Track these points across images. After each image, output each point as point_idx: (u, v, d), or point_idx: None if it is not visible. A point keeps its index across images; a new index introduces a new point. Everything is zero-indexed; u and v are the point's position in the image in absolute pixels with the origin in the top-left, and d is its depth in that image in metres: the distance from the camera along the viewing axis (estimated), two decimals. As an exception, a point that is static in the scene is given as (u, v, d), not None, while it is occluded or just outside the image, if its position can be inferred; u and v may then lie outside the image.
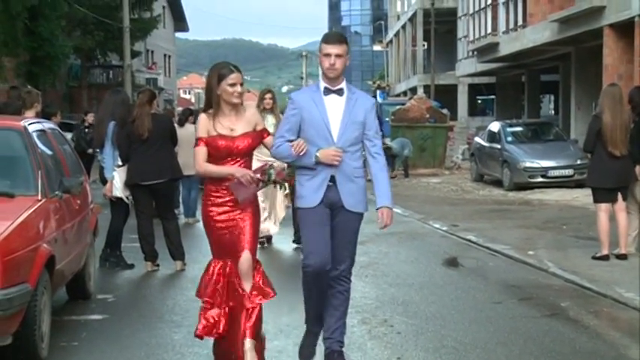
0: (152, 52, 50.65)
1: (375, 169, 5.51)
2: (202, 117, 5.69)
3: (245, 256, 5.56)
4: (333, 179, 5.39)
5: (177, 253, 9.52)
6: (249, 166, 5.66)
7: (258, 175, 5.57)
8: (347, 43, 5.47)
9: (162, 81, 50.07)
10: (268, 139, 5.76)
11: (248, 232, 5.63)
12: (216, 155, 5.59)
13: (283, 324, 6.78)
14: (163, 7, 50.07)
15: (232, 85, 5.55)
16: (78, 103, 37.64)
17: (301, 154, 5.34)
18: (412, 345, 6.24)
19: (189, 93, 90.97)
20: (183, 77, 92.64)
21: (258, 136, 5.72)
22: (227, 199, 5.62)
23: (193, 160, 5.78)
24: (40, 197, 6.27)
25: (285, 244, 11.08)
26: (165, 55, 55.44)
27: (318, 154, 5.34)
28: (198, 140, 5.65)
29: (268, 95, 11.04)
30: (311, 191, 5.41)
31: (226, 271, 5.61)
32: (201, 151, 5.62)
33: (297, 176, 5.56)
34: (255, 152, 5.95)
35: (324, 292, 5.53)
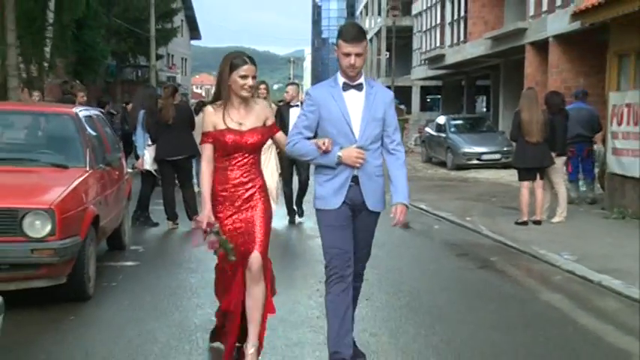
0: (172, 55, 50.10)
1: (394, 166, 4.24)
2: (208, 110, 4.28)
3: (255, 257, 4.25)
4: (354, 179, 4.14)
5: (193, 214, 9.49)
6: (257, 163, 4.35)
7: (210, 229, 4.17)
8: (366, 38, 4.15)
9: (180, 79, 49.53)
10: (279, 135, 4.49)
11: (260, 232, 4.28)
12: (223, 150, 4.24)
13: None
14: (182, 20, 49.46)
15: (244, 77, 4.21)
16: (113, 95, 37.12)
17: (328, 150, 4.07)
18: (377, 289, 6.26)
19: (200, 88, 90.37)
20: (196, 76, 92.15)
21: (268, 132, 4.38)
22: (237, 197, 4.27)
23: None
24: (87, 169, 6.25)
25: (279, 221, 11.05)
26: (182, 58, 54.87)
27: (340, 154, 4.06)
28: (204, 136, 4.28)
29: (263, 86, 9.79)
30: (331, 192, 4.14)
31: (237, 273, 4.31)
32: (208, 149, 4.27)
33: (315, 176, 4.28)
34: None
35: (350, 309, 4.26)
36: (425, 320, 5.40)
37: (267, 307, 4.42)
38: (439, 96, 37.52)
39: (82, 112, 6.99)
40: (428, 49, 31.34)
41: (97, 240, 6.24)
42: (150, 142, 9.43)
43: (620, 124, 10.29)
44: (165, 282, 6.55)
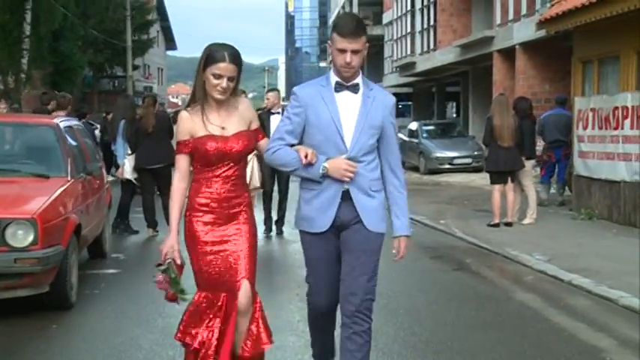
0: (148, 65, 49.82)
1: (393, 188, 3.54)
2: (183, 116, 3.50)
3: (244, 289, 3.50)
4: (345, 195, 3.41)
5: (173, 221, 9.44)
6: (243, 175, 3.61)
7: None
8: (365, 32, 3.40)
9: (156, 88, 49.21)
10: (263, 142, 3.66)
11: (245, 256, 3.54)
12: (204, 160, 3.47)
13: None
14: (157, 31, 49.22)
15: (217, 76, 3.40)
16: (90, 105, 36.92)
17: (312, 163, 3.36)
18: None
19: (176, 98, 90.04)
20: (172, 85, 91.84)
21: (254, 136, 3.60)
22: (221, 211, 3.52)
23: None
24: (69, 178, 6.17)
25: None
26: (158, 68, 54.58)
27: (326, 164, 3.35)
28: (180, 146, 3.50)
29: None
30: (318, 211, 3.42)
31: (218, 305, 3.50)
32: (183, 161, 3.49)
33: (300, 192, 3.55)
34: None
35: (333, 328, 3.77)
36: (404, 322, 5.40)
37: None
38: (410, 102, 37.69)
39: (62, 122, 6.91)
40: (399, 57, 31.51)
41: (78, 248, 6.16)
42: (129, 152, 9.36)
43: (585, 128, 10.43)
44: (147, 289, 6.44)
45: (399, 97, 46.96)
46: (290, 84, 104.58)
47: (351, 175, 3.37)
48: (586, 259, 7.44)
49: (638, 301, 5.70)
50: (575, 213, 10.55)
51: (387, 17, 35.60)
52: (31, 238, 5.13)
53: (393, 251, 3.63)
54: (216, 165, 3.50)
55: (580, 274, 6.72)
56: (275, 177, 9.21)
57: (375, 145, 3.48)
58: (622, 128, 9.48)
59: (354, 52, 3.37)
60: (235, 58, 3.45)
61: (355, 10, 41.69)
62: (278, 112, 8.94)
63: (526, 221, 9.76)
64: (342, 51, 3.37)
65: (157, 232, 9.39)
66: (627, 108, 9.39)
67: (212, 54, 3.44)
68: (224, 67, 3.42)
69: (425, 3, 27.29)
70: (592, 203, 10.28)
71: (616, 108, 9.62)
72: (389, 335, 5.04)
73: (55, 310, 5.59)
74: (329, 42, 3.48)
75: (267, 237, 9.26)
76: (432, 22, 26.86)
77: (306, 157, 3.35)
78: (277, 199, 9.46)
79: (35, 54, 23.25)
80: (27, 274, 5.20)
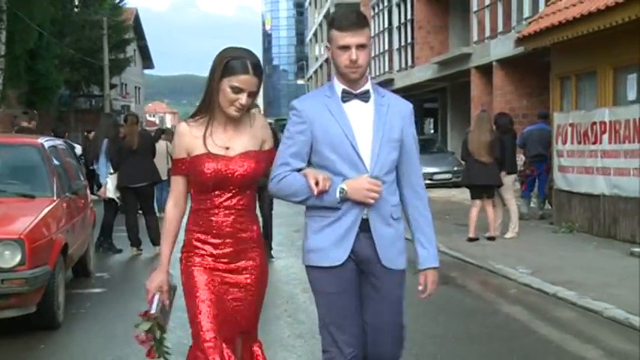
0: (125, 84, 49.70)
1: (415, 211, 2.99)
2: (181, 129, 2.91)
3: (243, 346, 3.01)
4: (363, 224, 2.84)
5: (156, 240, 9.39)
6: (251, 204, 2.97)
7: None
8: (369, 25, 2.90)
9: (134, 107, 49.11)
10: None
11: (252, 305, 2.99)
12: (201, 185, 2.87)
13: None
14: (134, 50, 49.20)
15: (237, 90, 2.80)
16: (66, 124, 36.72)
17: (325, 191, 2.78)
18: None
19: (153, 116, 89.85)
20: (149, 104, 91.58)
21: (265, 158, 2.95)
22: (224, 249, 2.90)
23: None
24: (55, 198, 6.16)
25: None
26: (135, 87, 54.46)
27: (345, 186, 2.78)
28: (175, 165, 2.94)
29: None
30: (331, 242, 2.84)
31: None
32: (178, 184, 2.94)
33: (306, 219, 2.94)
34: None
35: None
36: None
37: None
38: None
39: (47, 142, 6.90)
40: (377, 74, 31.72)
41: (65, 268, 6.13)
42: (112, 171, 9.35)
43: (564, 142, 10.60)
44: (133, 307, 6.41)
45: (377, 113, 47.19)
46: (268, 102, 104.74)
47: (376, 195, 2.78)
48: (569, 272, 7.54)
49: (623, 312, 5.80)
50: (556, 226, 10.69)
51: (364, 35, 35.83)
52: (18, 258, 5.10)
53: (420, 287, 3.03)
54: (215, 192, 2.87)
55: (564, 286, 6.81)
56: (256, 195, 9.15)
57: (396, 162, 2.94)
58: (600, 143, 9.66)
59: (360, 47, 2.83)
60: (258, 68, 2.84)
61: (332, 27, 41.98)
62: None
63: (508, 235, 9.87)
64: (345, 48, 2.83)
65: (141, 250, 9.37)
66: (605, 123, 9.57)
67: (232, 63, 2.80)
68: (246, 80, 2.80)
69: (402, 20, 27.58)
70: (572, 217, 10.43)
71: (594, 123, 9.80)
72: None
73: (42, 330, 5.55)
74: (327, 45, 2.95)
75: None
76: (409, 40, 27.14)
77: (316, 184, 2.75)
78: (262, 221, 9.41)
79: (11, 73, 23.12)
80: (14, 294, 5.16)
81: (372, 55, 32.61)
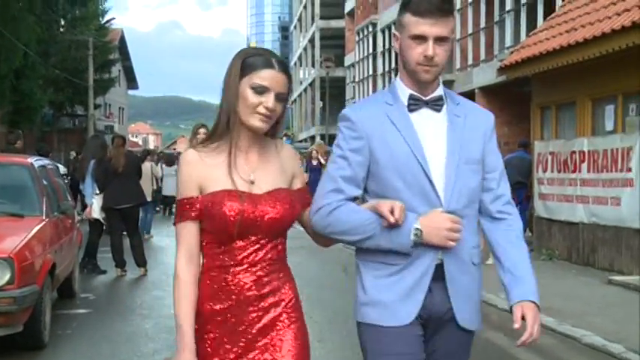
0: (109, 104, 49.64)
1: (507, 241, 2.33)
2: (190, 156, 2.18)
3: None
4: (437, 272, 2.21)
5: (141, 261, 9.47)
6: (283, 257, 2.25)
7: None
8: (453, 12, 2.26)
9: (117, 127, 49.00)
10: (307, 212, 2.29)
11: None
12: (221, 234, 2.15)
13: None
14: (119, 71, 49.25)
15: (260, 90, 2.12)
16: (49, 144, 36.60)
17: (399, 223, 2.11)
18: (328, 331, 6.33)
19: (136, 137, 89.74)
20: (132, 124, 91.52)
21: (299, 199, 2.26)
22: (246, 324, 2.16)
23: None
24: (44, 217, 6.21)
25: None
26: (119, 107, 54.41)
27: (418, 226, 2.13)
28: (181, 206, 2.18)
29: (202, 130, 7.09)
30: (397, 295, 2.20)
31: None
32: (190, 234, 2.17)
33: (360, 265, 2.28)
34: None
35: None
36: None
37: None
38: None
39: (36, 161, 6.96)
40: (361, 98, 32.05)
41: (52, 288, 6.17)
42: (97, 191, 9.40)
43: (545, 170, 10.81)
44: (119, 328, 6.50)
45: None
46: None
47: (458, 236, 2.15)
48: (548, 299, 7.65)
49: (601, 339, 5.93)
50: (536, 254, 10.84)
51: (349, 59, 36.30)
52: (7, 277, 5.14)
53: (515, 325, 2.23)
54: (237, 243, 2.14)
55: (544, 312, 6.84)
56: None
57: (477, 190, 2.28)
58: (579, 172, 9.87)
59: (439, 40, 2.17)
60: (283, 64, 2.19)
61: (317, 51, 42.41)
62: None
63: (489, 261, 9.97)
64: (420, 39, 2.17)
65: (126, 271, 9.40)
66: (584, 152, 9.79)
67: (250, 59, 2.16)
68: (271, 75, 2.13)
69: (386, 46, 27.96)
70: (552, 244, 10.60)
71: (573, 152, 10.02)
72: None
73: (28, 350, 5.57)
74: (394, 33, 2.28)
75: None
76: (393, 65, 27.48)
77: (391, 212, 2.08)
78: None
79: (-4, 92, 23.13)
80: (2, 313, 5.18)
81: (357, 79, 32.93)
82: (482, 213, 2.35)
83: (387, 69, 28.28)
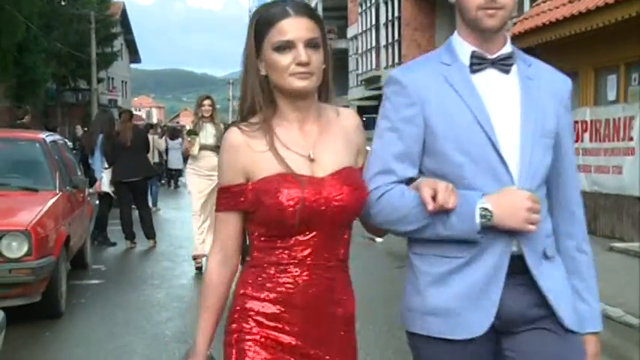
0: (112, 78, 49.62)
1: (572, 240, 1.99)
2: (234, 137, 1.81)
3: None
4: (514, 264, 1.78)
5: (150, 233, 9.66)
6: (347, 254, 1.87)
7: None
8: None
9: (121, 101, 49.07)
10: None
11: None
12: (277, 226, 1.77)
13: None
14: (121, 44, 49.16)
15: (283, 46, 1.75)
16: (53, 118, 36.71)
17: (450, 208, 1.69)
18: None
19: (140, 110, 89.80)
20: (135, 98, 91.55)
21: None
22: (299, 333, 1.80)
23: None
24: (57, 191, 6.38)
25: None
26: (122, 81, 54.39)
27: (488, 206, 1.72)
28: (222, 195, 1.85)
29: (207, 102, 7.45)
30: (465, 298, 1.78)
31: None
32: (229, 225, 1.84)
33: (413, 259, 1.88)
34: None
35: None
36: (383, 326, 5.68)
37: None
38: (375, 115, 38.30)
39: (48, 137, 7.11)
40: (364, 70, 32.03)
41: (66, 259, 6.35)
42: (106, 165, 9.56)
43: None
44: (132, 298, 6.69)
45: (364, 110, 47.61)
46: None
47: (539, 218, 1.76)
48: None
49: (602, 304, 6.09)
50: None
51: (351, 31, 36.15)
52: (25, 249, 5.32)
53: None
54: (297, 237, 1.79)
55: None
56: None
57: (549, 167, 1.90)
58: (582, 141, 9.99)
59: None
60: (303, 8, 1.81)
61: (320, 23, 42.10)
62: None
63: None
64: None
65: (135, 244, 9.59)
66: (586, 122, 9.89)
67: (264, 15, 1.81)
68: (291, 24, 1.77)
69: (389, 18, 27.88)
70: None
71: (576, 122, 10.11)
72: (369, 340, 5.32)
73: (46, 318, 5.76)
74: None
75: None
76: (396, 37, 27.43)
77: (433, 198, 1.70)
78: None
79: (-1, 67, 23.20)
80: (21, 283, 5.38)
81: (359, 51, 32.86)
82: (549, 199, 1.97)
83: (390, 40, 28.22)
